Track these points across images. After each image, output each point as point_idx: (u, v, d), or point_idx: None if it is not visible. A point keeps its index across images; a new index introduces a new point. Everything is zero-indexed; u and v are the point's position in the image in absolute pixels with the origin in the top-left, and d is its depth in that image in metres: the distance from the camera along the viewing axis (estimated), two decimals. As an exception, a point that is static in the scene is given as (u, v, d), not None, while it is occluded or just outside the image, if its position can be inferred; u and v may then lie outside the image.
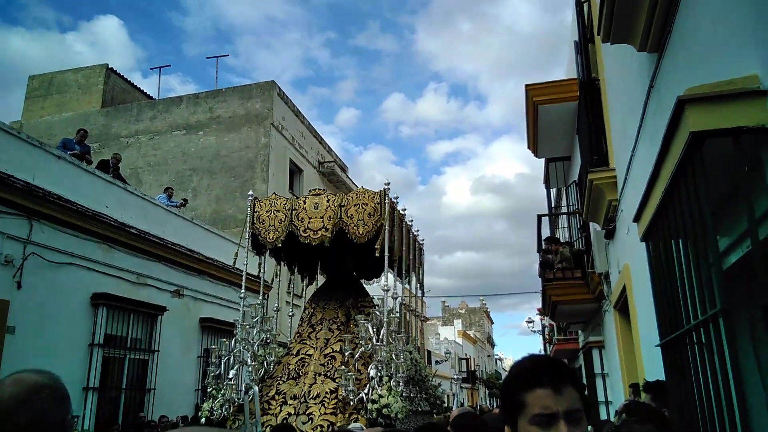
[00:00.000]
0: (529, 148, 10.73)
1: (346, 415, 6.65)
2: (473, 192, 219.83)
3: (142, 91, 22.63)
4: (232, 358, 7.36)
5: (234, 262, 7.90)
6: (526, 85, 9.08)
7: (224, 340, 7.78)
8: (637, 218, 3.78)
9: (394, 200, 7.56)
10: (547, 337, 24.47)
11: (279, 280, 9.13)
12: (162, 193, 15.07)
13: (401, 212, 8.02)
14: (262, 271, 8.46)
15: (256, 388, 6.19)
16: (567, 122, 9.42)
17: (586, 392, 11.47)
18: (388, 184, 7.43)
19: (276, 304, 9.55)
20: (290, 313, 9.62)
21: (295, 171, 20.51)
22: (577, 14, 7.65)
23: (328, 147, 23.69)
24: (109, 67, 21.10)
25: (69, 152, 10.90)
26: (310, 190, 8.34)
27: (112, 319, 10.47)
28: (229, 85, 23.62)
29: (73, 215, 9.74)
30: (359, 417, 6.52)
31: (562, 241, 10.35)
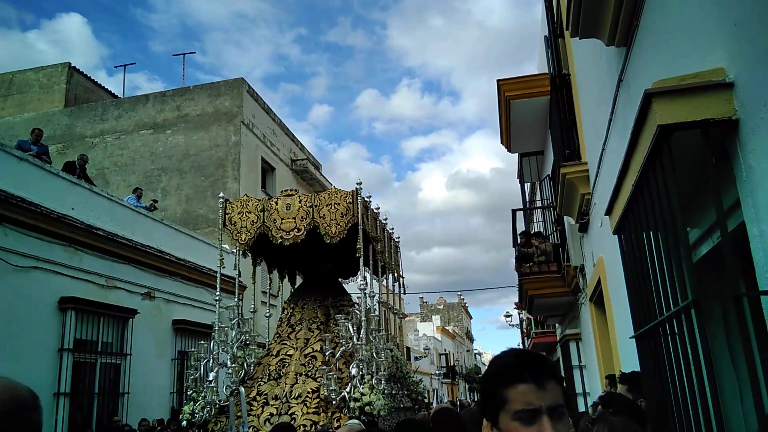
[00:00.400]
0: (502, 143, 10.78)
1: (329, 414, 6.75)
2: (449, 188, 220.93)
3: (107, 89, 22.18)
4: (211, 361, 7.35)
5: (220, 264, 7.99)
6: (498, 80, 9.10)
7: (202, 342, 7.79)
8: (608, 211, 3.80)
9: (367, 199, 7.61)
10: (525, 330, 24.72)
11: (254, 282, 9.04)
12: (131, 194, 14.76)
13: (375, 210, 8.05)
14: (237, 271, 8.38)
15: (242, 389, 6.36)
16: (539, 117, 9.47)
17: (564, 384, 11.60)
18: (360, 183, 7.52)
19: (252, 305, 9.46)
20: (267, 314, 9.58)
21: (267, 169, 20.32)
22: (546, 9, 7.69)
23: (301, 144, 23.53)
24: (72, 65, 20.62)
25: (26, 153, 10.57)
26: (282, 191, 8.35)
27: (81, 323, 10.24)
28: (198, 82, 23.23)
29: (38, 218, 9.48)
30: (341, 415, 6.60)
31: (541, 234, 10.42)
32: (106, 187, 16.53)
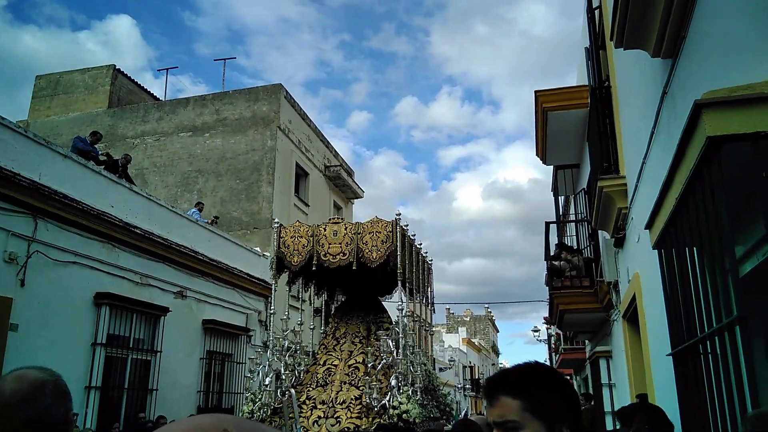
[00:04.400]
0: (537, 155, 10.67)
1: (370, 419, 7.53)
2: (485, 197, 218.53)
3: (149, 92, 22.70)
4: (267, 367, 8.23)
5: (274, 283, 9.09)
6: (536, 92, 9.03)
7: (259, 351, 8.74)
8: (649, 225, 3.72)
9: (405, 227, 8.46)
10: (553, 346, 24.35)
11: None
12: (193, 207, 15.58)
13: (411, 237, 8.92)
14: (287, 287, 8.99)
15: (293, 391, 7.22)
16: (576, 129, 9.36)
17: (583, 399, 11.37)
18: (399, 214, 8.40)
19: (287, 313, 9.72)
20: (311, 326, 10.38)
21: (300, 174, 20.50)
22: (588, 21, 7.61)
23: (335, 151, 23.69)
24: (117, 67, 21.17)
25: (87, 150, 11.33)
26: (329, 219, 9.50)
27: (114, 318, 10.45)
28: (241, 85, 23.67)
29: (78, 214, 9.73)
30: (381, 421, 7.32)
31: (572, 248, 10.27)
32: (145, 186, 16.90)
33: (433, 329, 41.00)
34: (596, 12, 7.20)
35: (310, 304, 10.31)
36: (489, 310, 68.02)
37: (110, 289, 10.33)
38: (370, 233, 8.28)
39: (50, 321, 9.08)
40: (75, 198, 9.67)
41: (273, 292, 9.13)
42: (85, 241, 9.95)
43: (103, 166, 11.74)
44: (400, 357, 7.77)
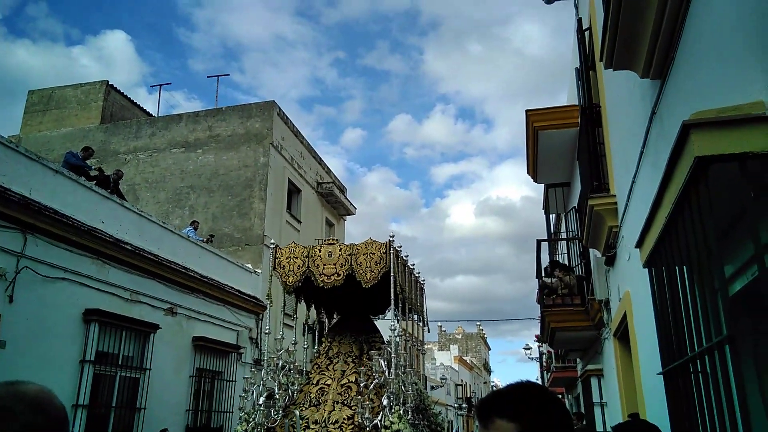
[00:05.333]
0: (528, 173, 10.75)
1: None
2: (477, 215, 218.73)
3: (142, 108, 22.73)
4: (261, 386, 8.23)
5: (270, 302, 9.27)
6: (527, 111, 9.12)
7: (253, 370, 9.25)
8: (639, 244, 3.75)
9: (399, 248, 8.59)
10: (545, 364, 24.28)
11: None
12: (188, 226, 15.66)
13: (404, 258, 9.08)
14: (282, 308, 8.62)
15: (298, 412, 7.42)
16: (567, 148, 9.44)
17: (584, 420, 11.32)
18: (393, 236, 8.55)
19: (281, 332, 9.69)
20: (305, 346, 10.43)
21: (293, 191, 20.51)
22: (579, 42, 7.72)
23: (327, 168, 23.74)
24: (109, 83, 21.21)
25: (79, 165, 11.34)
26: (324, 240, 9.75)
27: (104, 335, 10.35)
28: (235, 101, 23.76)
29: (68, 230, 9.68)
30: None
31: (565, 266, 10.30)
32: (136, 202, 16.84)
33: (425, 347, 40.85)
34: (586, 33, 7.30)
35: (306, 323, 10.27)
36: (481, 327, 67.90)
37: (100, 306, 10.24)
38: (364, 254, 8.44)
39: (38, 338, 8.97)
40: (65, 213, 9.62)
41: (268, 311, 9.18)
42: (74, 257, 9.88)
43: (94, 182, 11.72)
44: (392, 377, 7.84)
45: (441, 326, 62.79)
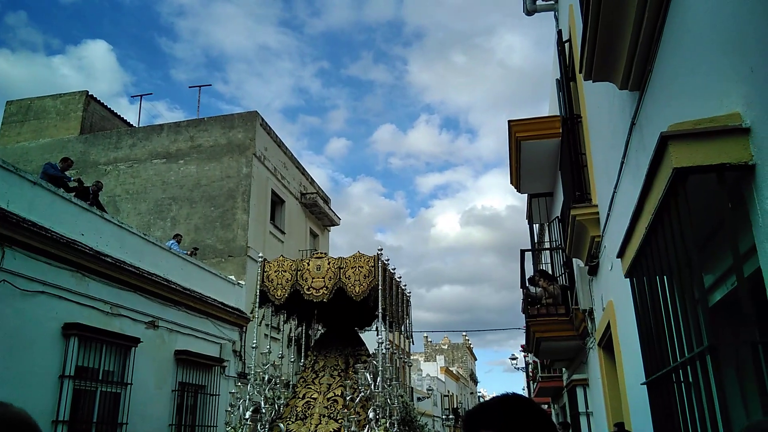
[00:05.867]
0: (512, 183, 10.80)
1: None
2: (463, 224, 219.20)
3: (123, 118, 22.53)
4: (247, 401, 8.27)
5: (253, 318, 9.29)
6: (509, 121, 9.18)
7: (239, 384, 9.03)
8: (620, 254, 3.76)
9: (386, 262, 8.68)
10: (531, 374, 24.31)
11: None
12: (171, 239, 15.42)
13: (391, 271, 9.16)
14: (269, 323, 8.58)
15: (282, 426, 7.43)
16: (549, 158, 9.51)
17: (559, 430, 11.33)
18: (381, 249, 8.68)
19: (269, 347, 9.71)
20: (292, 359, 10.39)
21: (276, 202, 20.42)
22: (558, 53, 7.80)
23: (311, 178, 23.69)
24: (89, 94, 21.01)
25: (58, 176, 11.20)
26: (313, 253, 9.89)
27: (84, 350, 10.16)
28: (219, 111, 23.67)
29: (47, 242, 9.52)
30: None
31: (550, 275, 10.34)
32: (117, 214, 16.66)
33: (411, 359, 40.71)
34: (566, 45, 7.38)
35: (292, 336, 10.23)
36: (467, 337, 67.90)
37: (79, 320, 10.06)
38: (352, 267, 8.51)
39: (16, 353, 8.79)
40: (44, 226, 9.47)
41: (256, 326, 9.19)
42: (53, 270, 9.71)
43: (73, 193, 11.56)
44: (378, 389, 7.89)
45: (427, 337, 62.72)
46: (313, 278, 8.60)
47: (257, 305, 8.87)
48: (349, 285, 8.40)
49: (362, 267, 8.47)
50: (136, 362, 11.32)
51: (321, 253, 9.40)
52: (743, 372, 2.71)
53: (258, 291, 8.85)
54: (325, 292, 8.49)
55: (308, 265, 8.76)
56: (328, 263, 8.66)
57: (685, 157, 2.40)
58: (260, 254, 9.34)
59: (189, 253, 15.42)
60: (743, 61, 2.33)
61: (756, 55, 2.21)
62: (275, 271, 8.80)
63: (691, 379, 2.55)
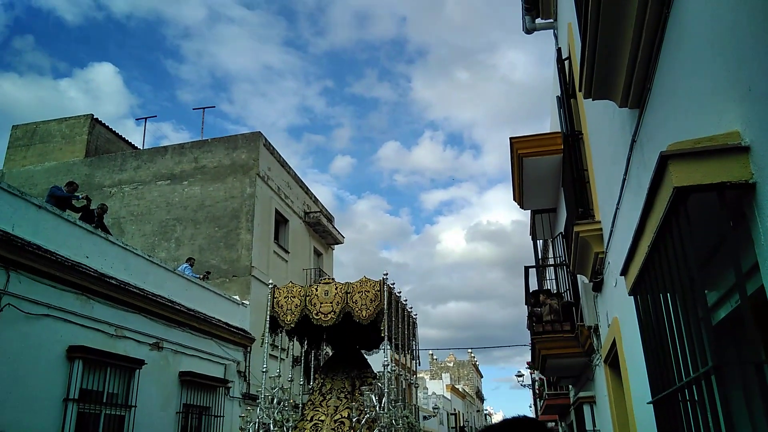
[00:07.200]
0: (515, 199, 10.79)
1: None
2: (468, 240, 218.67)
3: (127, 141, 22.71)
4: (257, 424, 8.44)
5: (261, 343, 9.36)
6: (511, 138, 9.19)
7: (249, 408, 9.56)
8: (624, 272, 3.75)
9: (392, 285, 8.92)
10: (537, 391, 24.09)
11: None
12: (184, 263, 15.64)
13: (397, 294, 9.35)
14: (280, 347, 9.73)
15: None
16: (552, 174, 9.51)
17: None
18: (386, 273, 8.92)
19: (278, 370, 9.60)
20: (301, 382, 10.64)
21: (280, 221, 20.46)
22: (558, 71, 7.84)
23: (314, 197, 23.75)
24: (94, 117, 21.21)
25: (65, 197, 11.32)
26: (321, 279, 10.32)
27: (88, 373, 10.15)
28: (224, 131, 23.82)
29: (52, 265, 9.55)
30: None
31: (552, 292, 10.29)
32: (122, 236, 16.71)
33: (417, 378, 40.49)
34: (566, 62, 7.43)
35: (297, 355, 10.30)
36: (473, 354, 67.43)
37: (84, 342, 10.06)
38: (359, 292, 8.74)
39: (21, 376, 8.78)
40: (49, 249, 9.51)
41: (266, 351, 9.30)
42: (58, 293, 9.73)
43: (79, 214, 11.61)
44: (384, 411, 8.04)
45: (432, 354, 62.34)
46: (321, 303, 8.85)
47: (267, 331, 9.04)
48: (356, 309, 8.63)
49: (368, 291, 8.70)
50: (140, 384, 11.29)
51: (329, 278, 9.74)
52: (750, 391, 2.69)
53: (268, 317, 9.04)
54: (333, 316, 8.74)
55: (316, 290, 9.03)
56: (336, 288, 8.92)
57: (685, 176, 2.40)
58: (270, 281, 9.58)
59: (201, 277, 15.49)
60: (741, 80, 2.34)
61: (753, 74, 2.22)
62: (285, 297, 9.06)
63: (697, 399, 2.52)
